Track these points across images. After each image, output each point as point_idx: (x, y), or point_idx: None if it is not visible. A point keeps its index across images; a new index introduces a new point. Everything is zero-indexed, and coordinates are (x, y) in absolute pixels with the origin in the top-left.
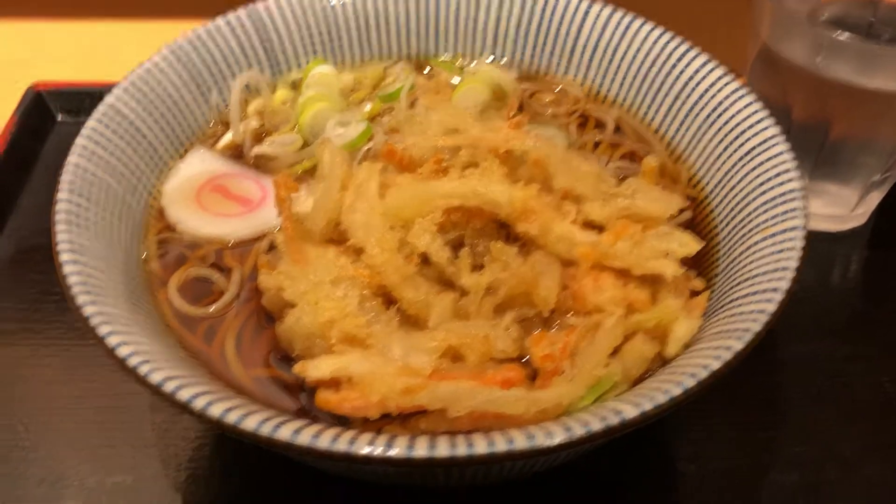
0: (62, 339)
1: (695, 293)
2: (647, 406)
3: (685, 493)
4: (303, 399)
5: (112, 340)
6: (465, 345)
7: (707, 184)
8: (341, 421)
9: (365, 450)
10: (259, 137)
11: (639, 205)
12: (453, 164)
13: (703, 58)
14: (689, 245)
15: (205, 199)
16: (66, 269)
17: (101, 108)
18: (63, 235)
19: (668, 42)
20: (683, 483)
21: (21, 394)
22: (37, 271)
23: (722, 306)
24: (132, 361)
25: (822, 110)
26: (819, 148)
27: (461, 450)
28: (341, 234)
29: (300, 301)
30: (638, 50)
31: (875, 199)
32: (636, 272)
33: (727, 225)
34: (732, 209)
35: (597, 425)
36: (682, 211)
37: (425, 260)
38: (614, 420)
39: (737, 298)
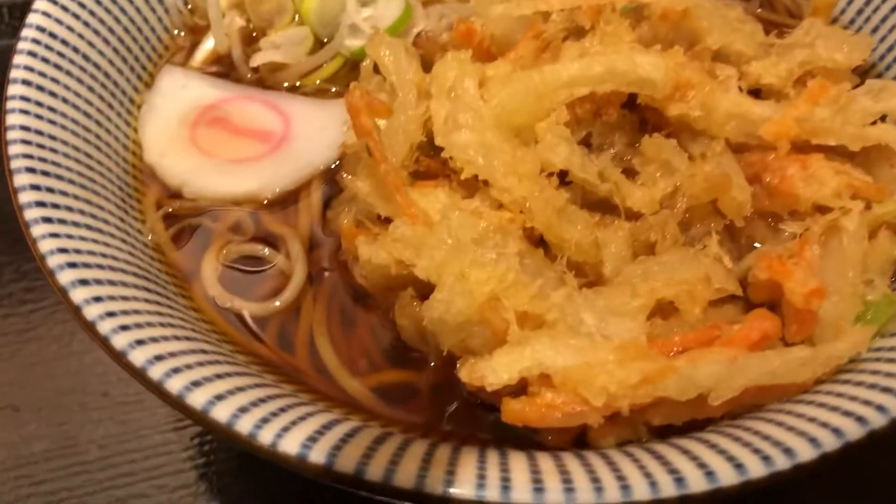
0: None
1: None
2: None
3: None
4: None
5: (174, 385)
6: (683, 294)
7: (844, 11)
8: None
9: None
10: (249, 40)
11: (821, 54)
12: (551, 33)
13: None
14: None
15: (204, 140)
16: (76, 295)
17: (28, 35)
18: (48, 243)
19: None
20: None
21: None
22: None
23: None
24: (220, 415)
25: None
26: None
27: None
28: (432, 164)
29: (442, 277)
30: None
31: None
32: (854, 147)
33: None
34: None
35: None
36: None
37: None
38: None
39: None
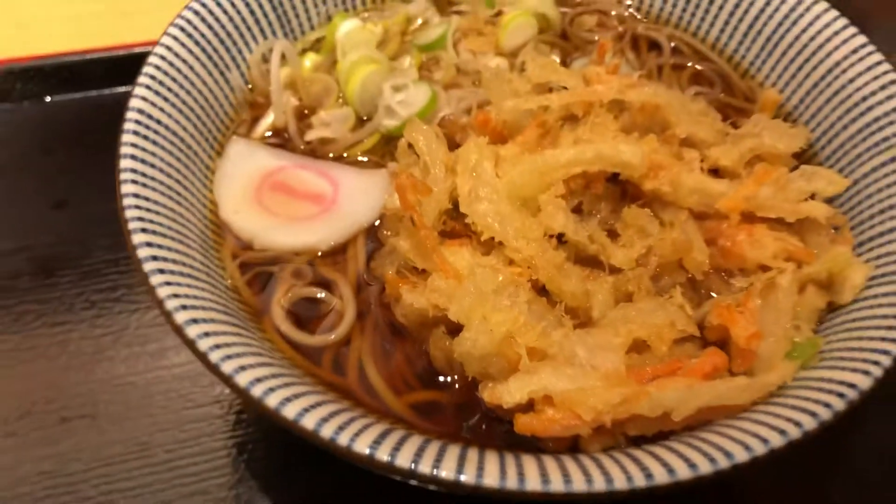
0: None
1: (835, 228)
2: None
3: None
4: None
5: (271, 401)
6: (654, 334)
7: (789, 99)
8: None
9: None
10: (301, 116)
11: (767, 142)
12: (550, 121)
13: None
14: (838, 182)
15: (268, 201)
16: (191, 331)
17: (132, 116)
18: (164, 290)
19: None
20: None
21: None
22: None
23: (863, 243)
24: (308, 424)
25: None
26: None
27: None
28: (456, 226)
29: (469, 319)
30: None
31: None
32: (790, 219)
33: (829, 143)
34: (830, 126)
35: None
36: None
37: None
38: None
39: (884, 233)
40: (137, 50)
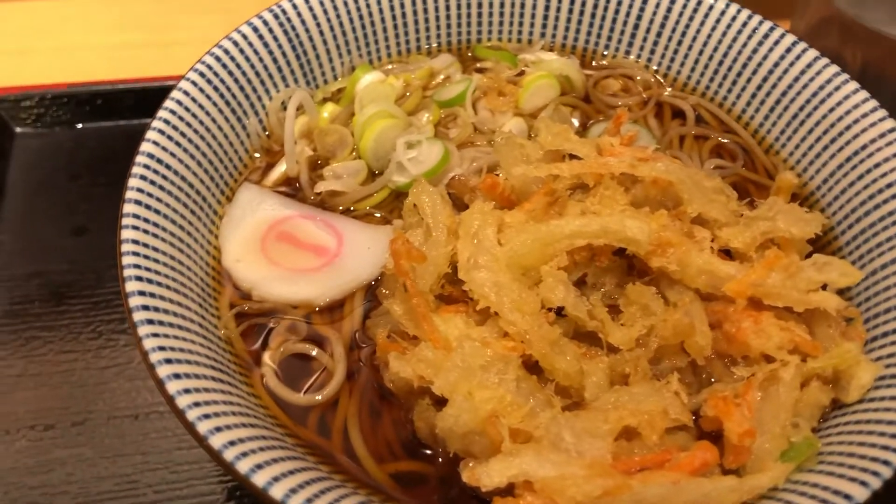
0: None
1: (847, 319)
2: None
3: None
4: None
5: (242, 466)
6: (645, 422)
7: (812, 179)
8: None
9: None
10: (314, 166)
11: (781, 227)
12: (559, 190)
13: (791, 37)
14: (851, 274)
15: (272, 250)
16: (171, 386)
17: (141, 161)
18: (150, 341)
19: (747, 19)
20: None
21: None
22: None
23: (876, 338)
24: (276, 493)
25: None
26: None
27: None
28: (454, 291)
29: (453, 395)
30: (713, 28)
31: None
32: (798, 309)
33: (850, 227)
34: (852, 211)
35: None
36: None
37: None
38: None
39: None
40: (170, 83)
